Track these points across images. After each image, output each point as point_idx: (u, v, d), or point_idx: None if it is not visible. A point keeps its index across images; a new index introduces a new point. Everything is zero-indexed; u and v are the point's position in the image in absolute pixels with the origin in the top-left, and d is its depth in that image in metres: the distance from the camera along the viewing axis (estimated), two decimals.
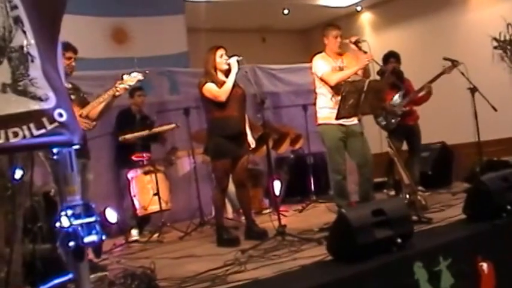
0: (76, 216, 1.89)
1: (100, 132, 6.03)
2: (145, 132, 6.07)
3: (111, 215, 6.58)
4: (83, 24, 7.63)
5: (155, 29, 8.36)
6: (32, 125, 1.84)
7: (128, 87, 4.76)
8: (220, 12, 9.11)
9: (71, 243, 1.86)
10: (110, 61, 7.56)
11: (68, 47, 4.52)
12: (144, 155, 6.17)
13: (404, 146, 6.42)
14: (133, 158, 6.10)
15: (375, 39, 9.97)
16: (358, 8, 10.33)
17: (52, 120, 1.88)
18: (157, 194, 5.94)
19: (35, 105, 1.87)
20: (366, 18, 10.49)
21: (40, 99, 1.87)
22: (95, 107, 4.59)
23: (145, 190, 6.08)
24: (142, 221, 6.30)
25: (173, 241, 5.61)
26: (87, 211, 1.93)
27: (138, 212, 6.11)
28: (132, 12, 8.27)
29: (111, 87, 4.69)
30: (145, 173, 6.14)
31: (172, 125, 6.22)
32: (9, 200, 2.48)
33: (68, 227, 1.88)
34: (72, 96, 4.51)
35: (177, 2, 8.67)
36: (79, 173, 4.33)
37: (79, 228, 1.87)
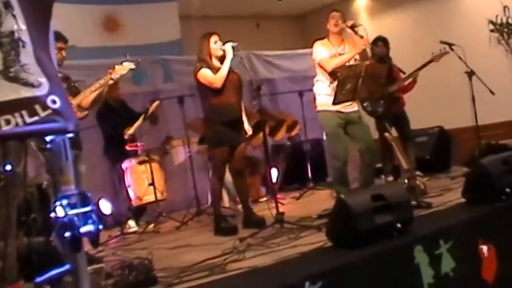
0: (72, 206, 1.85)
1: (93, 123, 5.97)
2: (141, 121, 6.02)
3: (105, 207, 6.50)
4: (73, 13, 7.49)
5: (147, 16, 8.25)
6: (24, 112, 1.79)
7: (120, 75, 4.70)
8: None
9: (67, 234, 1.81)
10: (102, 50, 7.47)
11: (58, 37, 4.43)
12: (138, 144, 6.10)
13: (394, 133, 6.36)
14: (127, 148, 6.01)
15: (370, 24, 9.87)
16: None
17: (45, 107, 1.83)
18: (152, 184, 5.88)
19: (27, 92, 1.81)
20: (362, 3, 10.36)
21: (32, 85, 1.82)
22: (87, 96, 4.52)
23: (140, 180, 6.01)
24: (138, 212, 6.23)
25: (170, 231, 5.57)
26: (84, 201, 1.89)
27: (133, 202, 6.05)
28: (123, 0, 8.14)
29: (103, 76, 4.63)
30: (140, 162, 6.06)
31: (157, 102, 6.16)
32: (2, 192, 2.42)
33: (64, 217, 1.83)
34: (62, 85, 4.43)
35: None
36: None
37: (75, 218, 1.82)
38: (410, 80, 6.19)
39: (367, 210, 3.41)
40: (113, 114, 6.13)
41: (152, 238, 5.35)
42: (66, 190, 1.91)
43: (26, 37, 1.86)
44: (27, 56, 1.85)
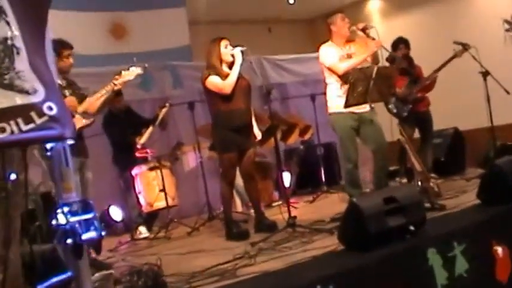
0: (73, 213, 1.83)
1: (101, 130, 5.97)
2: (151, 129, 6.02)
3: (116, 213, 6.54)
4: (79, 20, 7.50)
5: (155, 22, 8.19)
6: (19, 120, 1.77)
7: (127, 81, 4.68)
8: (223, 4, 8.98)
9: (69, 241, 1.79)
10: (109, 57, 7.43)
11: (63, 44, 4.44)
12: (148, 150, 6.09)
13: (416, 134, 6.30)
14: (137, 155, 5.99)
15: (384, 26, 9.77)
16: None
17: (41, 114, 1.80)
18: (163, 190, 5.86)
19: (22, 99, 1.79)
20: (374, 5, 10.29)
21: (28, 92, 1.80)
22: (92, 103, 4.48)
23: (151, 186, 5.99)
24: (150, 218, 6.21)
25: (181, 237, 5.54)
26: (85, 208, 1.86)
27: (143, 208, 6.04)
28: (130, 6, 8.10)
29: (109, 82, 4.61)
30: (150, 169, 6.04)
31: (165, 109, 6.12)
32: (5, 201, 2.40)
33: (65, 224, 1.81)
34: (67, 92, 4.42)
35: None
36: (77, 171, 4.29)
37: (77, 225, 1.80)
38: (429, 81, 6.14)
39: (378, 213, 3.39)
40: (117, 122, 6.11)
41: (163, 244, 5.33)
42: (68, 197, 1.89)
43: (20, 43, 1.83)
44: (21, 62, 1.82)
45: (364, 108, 5.03)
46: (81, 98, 4.51)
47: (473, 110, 6.51)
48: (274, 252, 3.84)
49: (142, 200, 6.05)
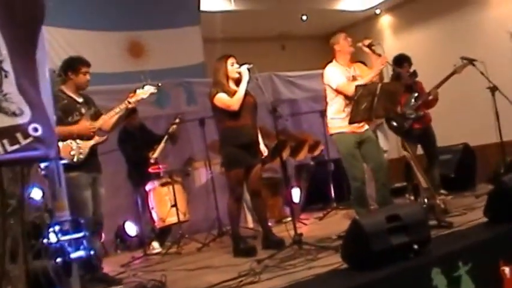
0: (64, 232, 1.86)
1: (116, 147, 6.07)
2: (163, 144, 6.09)
3: (131, 228, 6.62)
4: (99, 39, 7.78)
5: (171, 41, 8.41)
6: (5, 141, 1.81)
7: (140, 99, 4.77)
8: (237, 22, 9.09)
9: (58, 259, 1.82)
10: (127, 75, 7.59)
11: (81, 61, 4.56)
12: (160, 166, 6.16)
13: (420, 151, 6.25)
14: (150, 170, 6.07)
15: (395, 41, 9.85)
16: (377, 11, 10.18)
17: (26, 135, 1.84)
18: (175, 205, 5.92)
19: (8, 121, 1.83)
20: (386, 21, 10.33)
21: (14, 114, 1.84)
22: (107, 121, 4.59)
23: (163, 202, 6.07)
24: (164, 233, 6.28)
25: (191, 252, 5.60)
26: (76, 227, 1.89)
27: (156, 224, 6.11)
28: (148, 25, 8.33)
29: (124, 100, 4.71)
30: (163, 184, 6.13)
31: (177, 120, 6.25)
32: (9, 217, 2.45)
33: (56, 243, 1.84)
34: (83, 110, 4.52)
35: (193, 14, 8.67)
36: (89, 186, 4.37)
37: (66, 244, 1.83)
38: (431, 96, 6.10)
39: (381, 231, 3.34)
40: (131, 139, 6.23)
41: (174, 259, 5.38)
42: (60, 216, 1.92)
43: (8, 66, 1.87)
44: (9, 85, 1.87)
45: (363, 128, 5.05)
46: (97, 116, 4.61)
47: (483, 126, 6.47)
48: (278, 270, 3.83)
49: (155, 216, 6.13)
